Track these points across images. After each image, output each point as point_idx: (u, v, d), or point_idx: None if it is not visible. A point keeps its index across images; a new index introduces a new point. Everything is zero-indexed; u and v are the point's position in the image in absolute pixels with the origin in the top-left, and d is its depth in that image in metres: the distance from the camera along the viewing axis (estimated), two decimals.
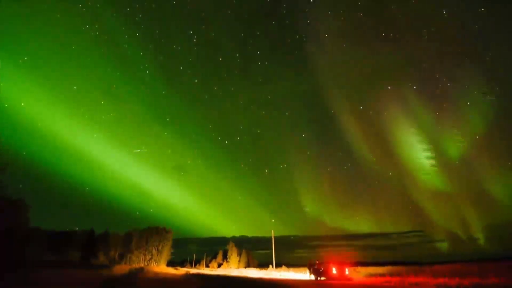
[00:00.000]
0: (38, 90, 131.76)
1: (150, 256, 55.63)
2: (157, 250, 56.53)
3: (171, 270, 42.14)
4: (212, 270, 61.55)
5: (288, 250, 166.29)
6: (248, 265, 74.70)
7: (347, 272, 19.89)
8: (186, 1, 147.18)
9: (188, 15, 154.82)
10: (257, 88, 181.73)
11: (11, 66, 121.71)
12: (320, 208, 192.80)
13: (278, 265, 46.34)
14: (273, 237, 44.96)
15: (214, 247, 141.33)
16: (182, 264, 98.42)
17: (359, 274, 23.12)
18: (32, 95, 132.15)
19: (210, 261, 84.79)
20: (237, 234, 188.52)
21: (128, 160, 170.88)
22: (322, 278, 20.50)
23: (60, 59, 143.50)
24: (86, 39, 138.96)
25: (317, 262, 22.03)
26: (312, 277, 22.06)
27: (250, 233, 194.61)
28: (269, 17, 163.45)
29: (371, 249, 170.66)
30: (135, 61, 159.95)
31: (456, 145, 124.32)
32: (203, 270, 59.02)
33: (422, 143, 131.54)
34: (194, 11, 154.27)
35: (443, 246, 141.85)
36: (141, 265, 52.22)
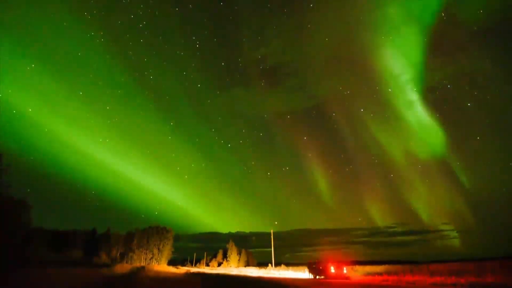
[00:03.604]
0: (45, 96, 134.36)
1: (151, 255, 55.95)
2: (158, 249, 56.83)
3: (172, 269, 42.42)
4: (212, 269, 61.93)
5: (290, 249, 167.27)
6: (247, 264, 75.03)
7: (345, 271, 20.12)
8: (188, 8, 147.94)
9: (191, 21, 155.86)
10: (259, 92, 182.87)
11: (19, 73, 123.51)
12: (322, 208, 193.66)
13: (277, 264, 46.63)
14: (272, 238, 45.22)
15: (211, 244, 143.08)
16: (183, 263, 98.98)
17: (357, 272, 23.35)
18: (39, 101, 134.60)
19: (210, 260, 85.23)
20: (233, 230, 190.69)
21: (133, 164, 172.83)
22: (321, 277, 20.75)
23: (66, 65, 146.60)
24: (91, 46, 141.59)
25: (316, 261, 22.29)
26: (311, 275, 22.33)
27: (247, 229, 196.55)
28: (270, 21, 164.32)
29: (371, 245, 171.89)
30: (139, 67, 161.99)
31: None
32: (204, 269, 59.38)
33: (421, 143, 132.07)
34: (197, 17, 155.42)
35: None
36: (142, 264, 52.55)
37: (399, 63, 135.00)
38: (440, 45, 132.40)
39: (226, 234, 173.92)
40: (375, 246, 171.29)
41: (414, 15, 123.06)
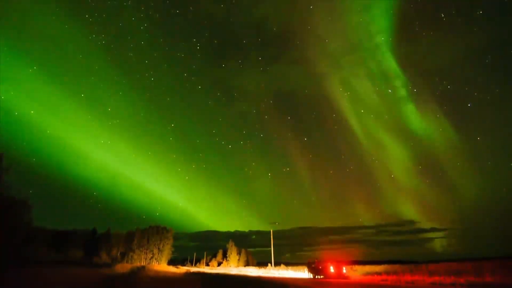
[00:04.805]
0: (47, 98, 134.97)
1: (151, 255, 56.08)
2: (158, 249, 56.97)
3: (172, 269, 42.51)
4: (212, 269, 62.03)
5: (290, 248, 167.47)
6: (247, 263, 75.20)
7: (344, 271, 20.19)
8: (189, 9, 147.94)
9: (191, 23, 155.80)
10: (259, 93, 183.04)
11: (22, 75, 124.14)
12: (322, 208, 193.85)
13: (277, 263, 46.73)
14: (271, 237, 45.30)
15: (209, 243, 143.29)
16: (183, 263, 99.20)
17: (356, 272, 23.43)
18: (41, 103, 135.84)
19: (210, 260, 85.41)
20: (232, 230, 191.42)
21: (134, 165, 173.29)
22: (320, 277, 20.82)
23: (68, 68, 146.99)
24: (93, 48, 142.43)
25: (315, 261, 22.34)
26: (311, 275, 22.39)
27: (246, 228, 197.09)
28: (270, 23, 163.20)
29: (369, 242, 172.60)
30: (140, 69, 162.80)
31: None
32: (203, 269, 59.47)
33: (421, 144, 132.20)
34: (197, 19, 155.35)
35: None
36: (143, 263, 52.66)
37: (399, 63, 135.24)
38: (441, 46, 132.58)
39: (225, 233, 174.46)
40: (375, 246, 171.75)
41: (415, 14, 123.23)
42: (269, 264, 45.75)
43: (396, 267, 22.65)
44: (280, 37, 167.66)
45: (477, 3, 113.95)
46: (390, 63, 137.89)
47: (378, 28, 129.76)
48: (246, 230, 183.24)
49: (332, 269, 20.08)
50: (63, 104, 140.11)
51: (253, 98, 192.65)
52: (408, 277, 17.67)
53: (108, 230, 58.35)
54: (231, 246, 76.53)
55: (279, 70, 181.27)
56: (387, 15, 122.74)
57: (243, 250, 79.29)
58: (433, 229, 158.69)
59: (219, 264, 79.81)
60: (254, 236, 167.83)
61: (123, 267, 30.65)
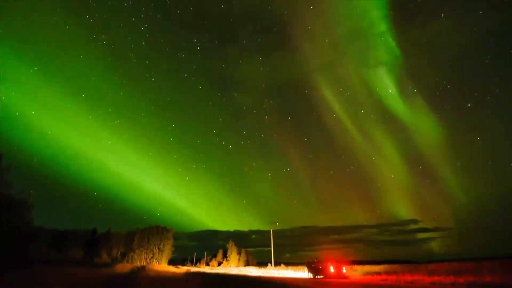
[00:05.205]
0: (47, 98, 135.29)
1: (151, 255, 56.11)
2: (159, 249, 57.01)
3: (172, 269, 42.54)
4: (212, 269, 62.06)
5: (291, 248, 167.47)
6: (247, 263, 75.23)
7: (344, 271, 20.23)
8: (189, 10, 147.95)
9: (191, 23, 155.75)
10: (260, 93, 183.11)
11: (22, 76, 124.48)
12: (323, 208, 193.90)
13: (277, 263, 46.76)
14: (271, 236, 45.34)
15: (209, 242, 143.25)
16: (183, 263, 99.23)
17: (356, 272, 23.47)
18: (42, 103, 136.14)
19: (211, 260, 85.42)
20: (232, 229, 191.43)
21: (135, 165, 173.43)
22: (320, 276, 20.86)
23: (69, 68, 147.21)
24: (93, 49, 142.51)
25: (315, 260, 22.39)
26: (311, 275, 22.43)
27: (246, 228, 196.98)
28: (271, 23, 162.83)
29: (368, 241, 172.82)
30: (140, 70, 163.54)
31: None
32: (204, 269, 59.51)
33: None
34: (197, 19, 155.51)
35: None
36: (143, 263, 52.70)
37: (400, 62, 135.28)
38: (441, 45, 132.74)
39: (225, 232, 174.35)
40: (375, 245, 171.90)
41: (418, 16, 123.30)
42: (269, 264, 45.78)
43: (395, 267, 22.68)
44: (280, 33, 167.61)
45: (477, 3, 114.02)
46: (391, 62, 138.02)
47: (377, 19, 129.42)
48: (246, 229, 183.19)
49: (332, 269, 20.13)
50: (64, 105, 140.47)
51: (254, 98, 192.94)
52: (408, 277, 17.69)
53: (108, 230, 58.42)
54: (231, 246, 76.57)
55: (280, 69, 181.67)
56: (387, 16, 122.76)
57: (243, 250, 79.35)
58: (433, 229, 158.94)
59: (219, 264, 79.83)
60: (254, 236, 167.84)
61: (123, 267, 30.70)
